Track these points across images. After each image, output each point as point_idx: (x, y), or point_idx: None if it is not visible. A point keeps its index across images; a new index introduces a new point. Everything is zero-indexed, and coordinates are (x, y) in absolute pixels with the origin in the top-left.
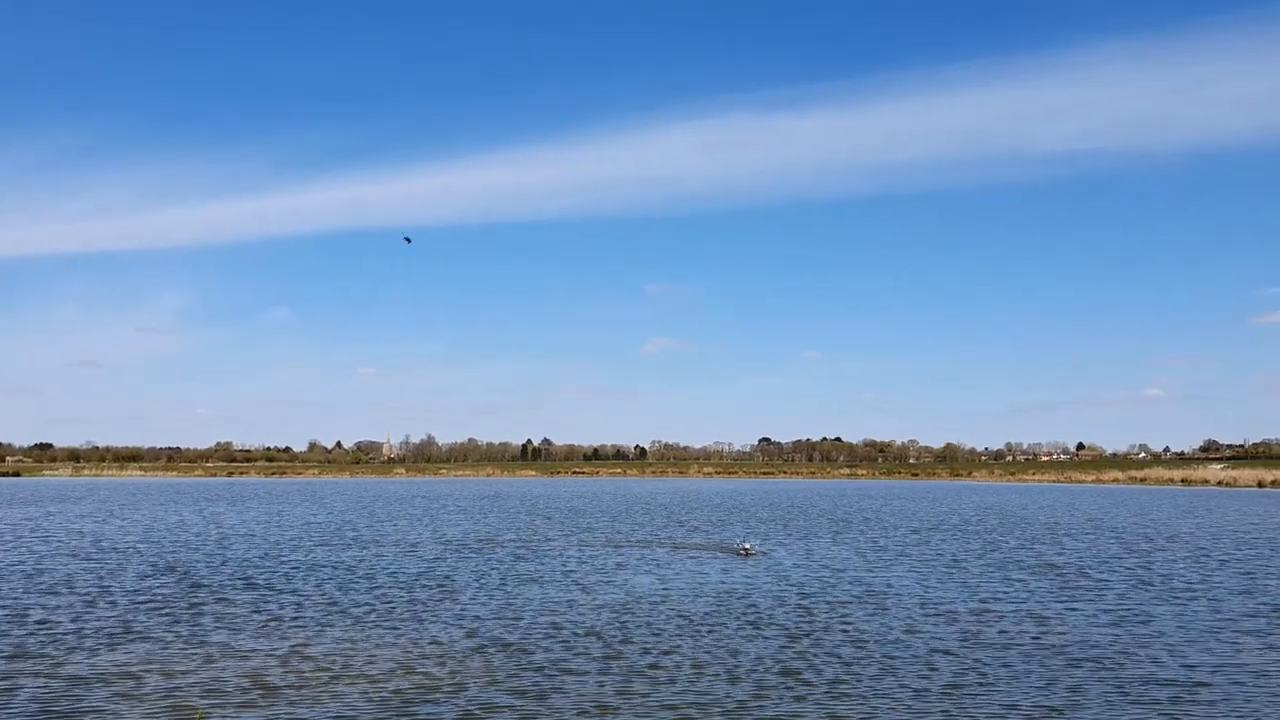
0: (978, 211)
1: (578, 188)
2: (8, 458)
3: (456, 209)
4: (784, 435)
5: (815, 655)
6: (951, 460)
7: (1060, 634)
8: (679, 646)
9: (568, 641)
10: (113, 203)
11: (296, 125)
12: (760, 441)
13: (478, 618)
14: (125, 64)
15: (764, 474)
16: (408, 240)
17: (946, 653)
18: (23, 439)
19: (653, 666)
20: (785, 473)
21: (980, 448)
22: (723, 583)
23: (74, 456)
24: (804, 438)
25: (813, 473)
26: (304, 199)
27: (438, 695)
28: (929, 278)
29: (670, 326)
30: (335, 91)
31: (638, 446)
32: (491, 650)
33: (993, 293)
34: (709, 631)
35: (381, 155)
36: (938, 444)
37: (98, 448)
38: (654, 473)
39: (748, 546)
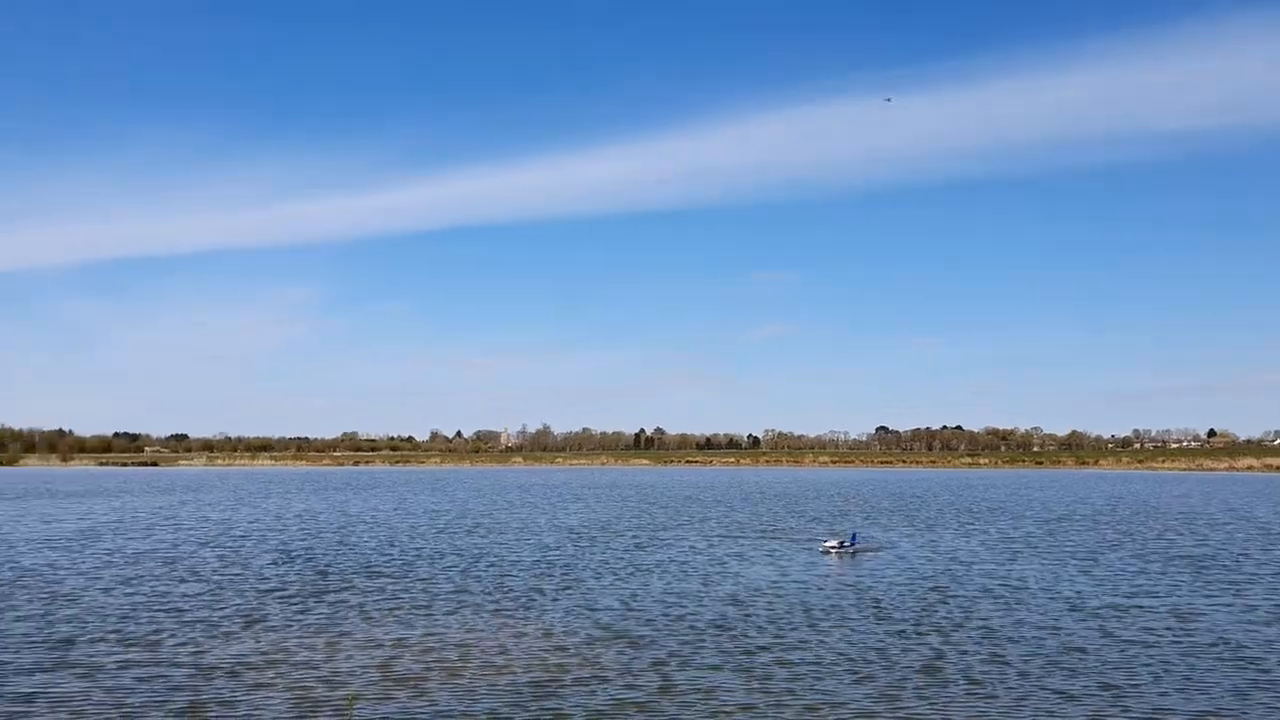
0: (1097, 192)
1: (685, 176)
2: (146, 448)
3: (569, 201)
4: (902, 423)
5: (950, 652)
6: (1077, 448)
7: (1210, 631)
8: (805, 641)
9: (692, 634)
10: (240, 200)
11: (415, 122)
12: (877, 430)
13: (601, 607)
14: (251, 63)
15: (882, 463)
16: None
17: (1088, 651)
18: (160, 430)
19: (780, 662)
20: (904, 461)
21: (1107, 435)
22: (845, 574)
23: (208, 447)
24: (923, 426)
25: (933, 461)
26: (422, 194)
27: (568, 686)
28: (1049, 260)
29: (782, 313)
30: (450, 88)
31: (751, 435)
32: (617, 641)
33: (1117, 274)
34: (835, 626)
35: (495, 150)
36: (1062, 431)
37: (230, 438)
38: (768, 462)
39: (832, 545)
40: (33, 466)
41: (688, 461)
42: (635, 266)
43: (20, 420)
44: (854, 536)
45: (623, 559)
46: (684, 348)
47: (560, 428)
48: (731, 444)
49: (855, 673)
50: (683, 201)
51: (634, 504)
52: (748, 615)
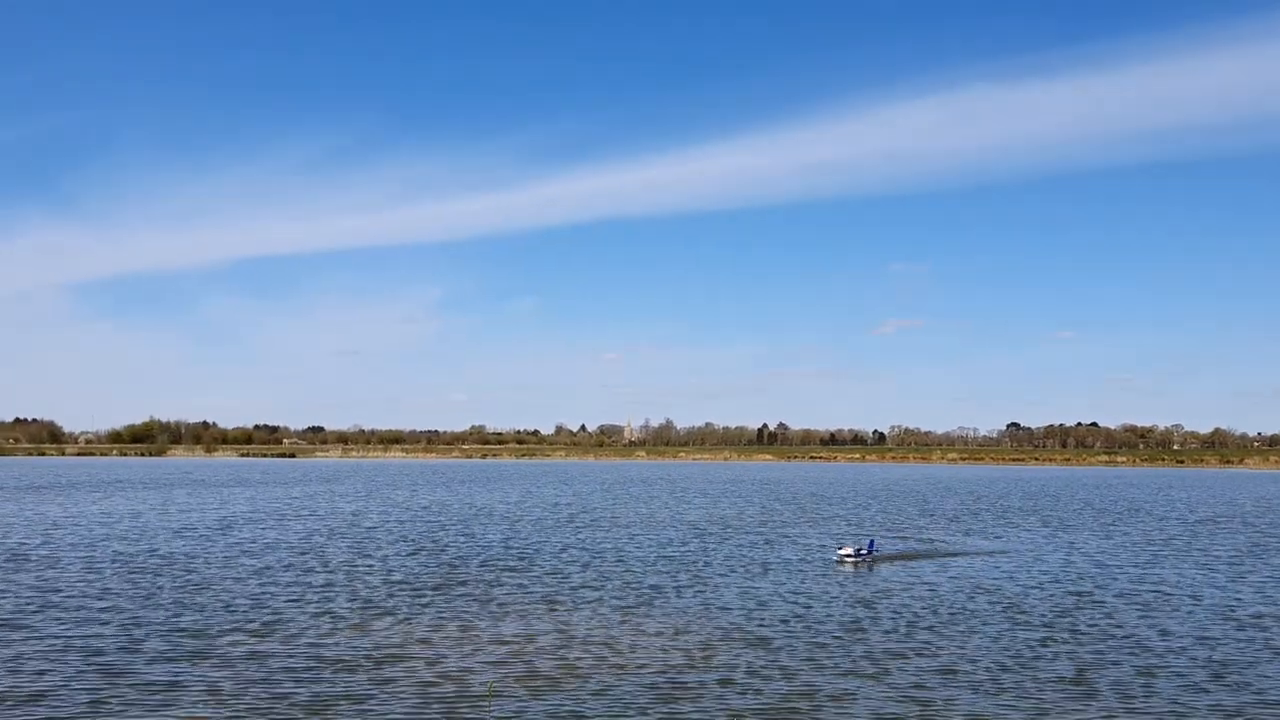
0: (1244, 178)
1: (814, 168)
2: (285, 440)
3: (695, 195)
4: (1034, 420)
5: (1095, 661)
6: (1220, 446)
7: None
8: (939, 646)
9: (821, 636)
10: (373, 200)
11: (542, 119)
12: (1008, 426)
13: (726, 605)
14: (382, 65)
15: (1013, 460)
16: None
17: (1245, 664)
18: (298, 422)
19: (913, 669)
20: (1036, 459)
21: (1253, 432)
22: (979, 576)
23: (342, 439)
24: (1056, 422)
25: (1067, 459)
26: (549, 191)
27: (697, 688)
28: (1191, 249)
29: (910, 306)
30: (576, 87)
31: (876, 431)
32: (744, 642)
33: (1262, 263)
34: (970, 631)
35: (623, 146)
36: (1204, 429)
37: (363, 430)
38: (894, 458)
39: (847, 552)
40: (179, 457)
41: (811, 457)
42: (761, 261)
43: (168, 413)
44: (871, 543)
45: (748, 556)
46: (809, 342)
47: (683, 422)
48: (856, 440)
49: (995, 681)
50: (810, 194)
51: (758, 500)
52: (876, 617)
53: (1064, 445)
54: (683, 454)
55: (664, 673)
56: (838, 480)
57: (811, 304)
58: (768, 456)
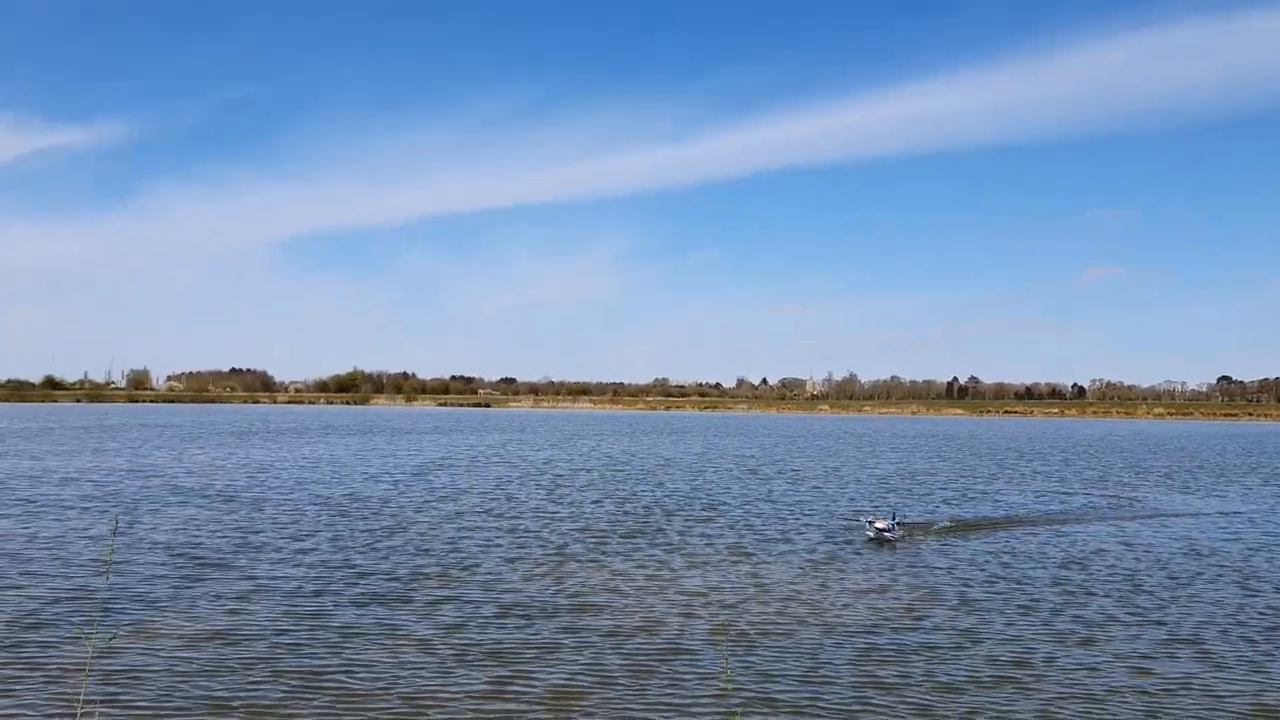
0: None
1: (1011, 110)
2: (479, 390)
3: (882, 140)
4: (1247, 373)
5: None
6: None
7: None
8: (1160, 612)
9: (1030, 598)
10: (559, 155)
11: (724, 68)
12: (1219, 380)
13: (925, 564)
14: (568, 20)
15: (1225, 415)
16: None
17: None
18: (491, 373)
19: (1130, 636)
20: (1250, 414)
21: None
22: (1199, 537)
23: (533, 390)
24: (1271, 375)
25: None
26: (730, 142)
27: (900, 649)
28: None
29: (1112, 253)
30: (760, 31)
31: (1075, 385)
32: (949, 602)
33: None
34: (1188, 595)
35: (806, 93)
36: None
37: (553, 382)
38: (1094, 413)
39: (881, 525)
40: (381, 406)
41: (1006, 412)
42: (952, 207)
43: (371, 364)
44: (893, 514)
45: (945, 513)
46: (1002, 292)
47: (867, 375)
48: (1054, 394)
49: (1232, 652)
50: (1003, 137)
51: (951, 456)
52: (1090, 579)
53: (1279, 400)
54: (867, 408)
55: (864, 632)
56: (1036, 435)
57: (1004, 252)
58: (958, 411)
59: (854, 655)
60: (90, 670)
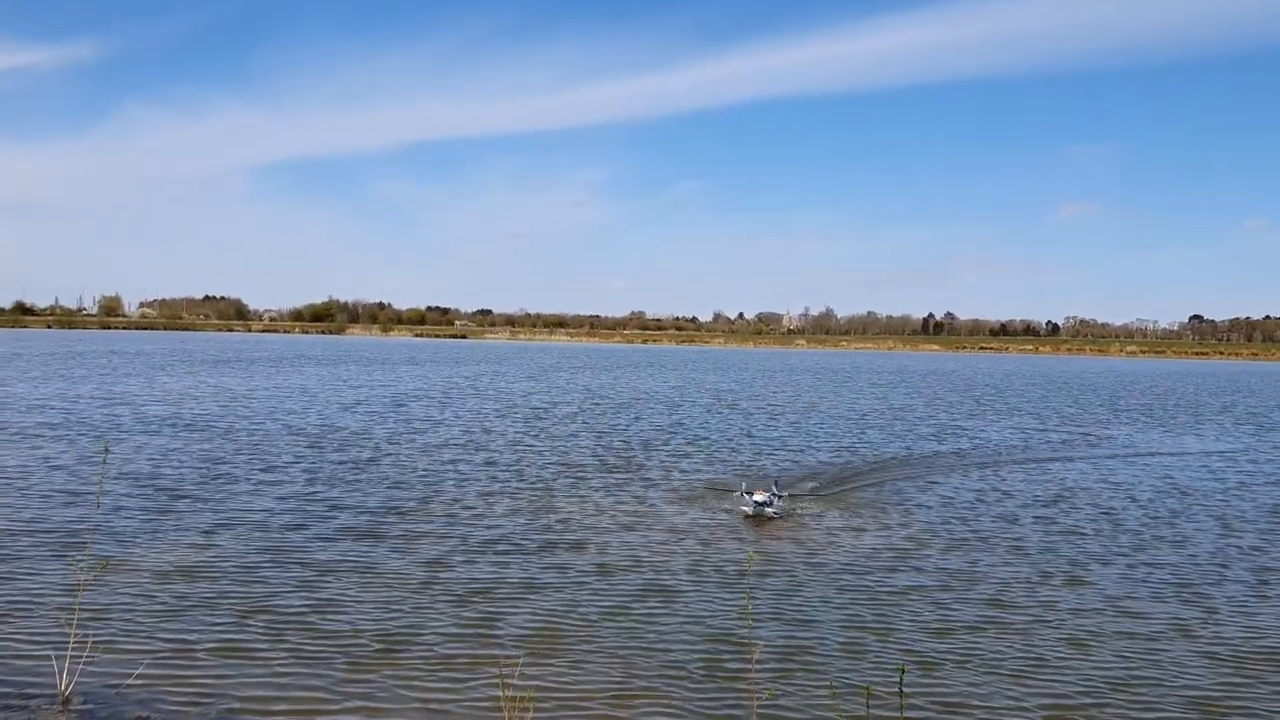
0: None
1: (990, 44)
2: (456, 321)
3: (863, 74)
4: (1218, 312)
5: None
6: None
7: None
8: (1153, 550)
9: (1018, 539)
10: (538, 83)
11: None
12: (1190, 319)
13: (916, 504)
14: None
15: (1196, 354)
16: None
17: None
18: (467, 304)
19: (1124, 573)
20: (1221, 353)
21: None
22: (1176, 478)
23: (510, 322)
24: (1242, 315)
25: (1254, 354)
26: (711, 71)
27: (902, 589)
28: None
29: (1089, 191)
30: None
31: (1049, 322)
32: (944, 543)
33: None
34: (1177, 538)
35: (789, 23)
36: None
37: (529, 314)
38: (1069, 350)
39: (759, 497)
40: (356, 336)
41: (981, 348)
42: (932, 141)
43: (346, 294)
44: (776, 484)
45: (923, 449)
46: (978, 228)
47: (844, 310)
48: (1028, 330)
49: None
50: (982, 72)
51: (929, 391)
52: (1071, 518)
53: (1249, 339)
54: (844, 343)
55: (847, 571)
56: (1012, 372)
57: (981, 188)
58: (934, 347)
59: (840, 596)
60: (79, 604)
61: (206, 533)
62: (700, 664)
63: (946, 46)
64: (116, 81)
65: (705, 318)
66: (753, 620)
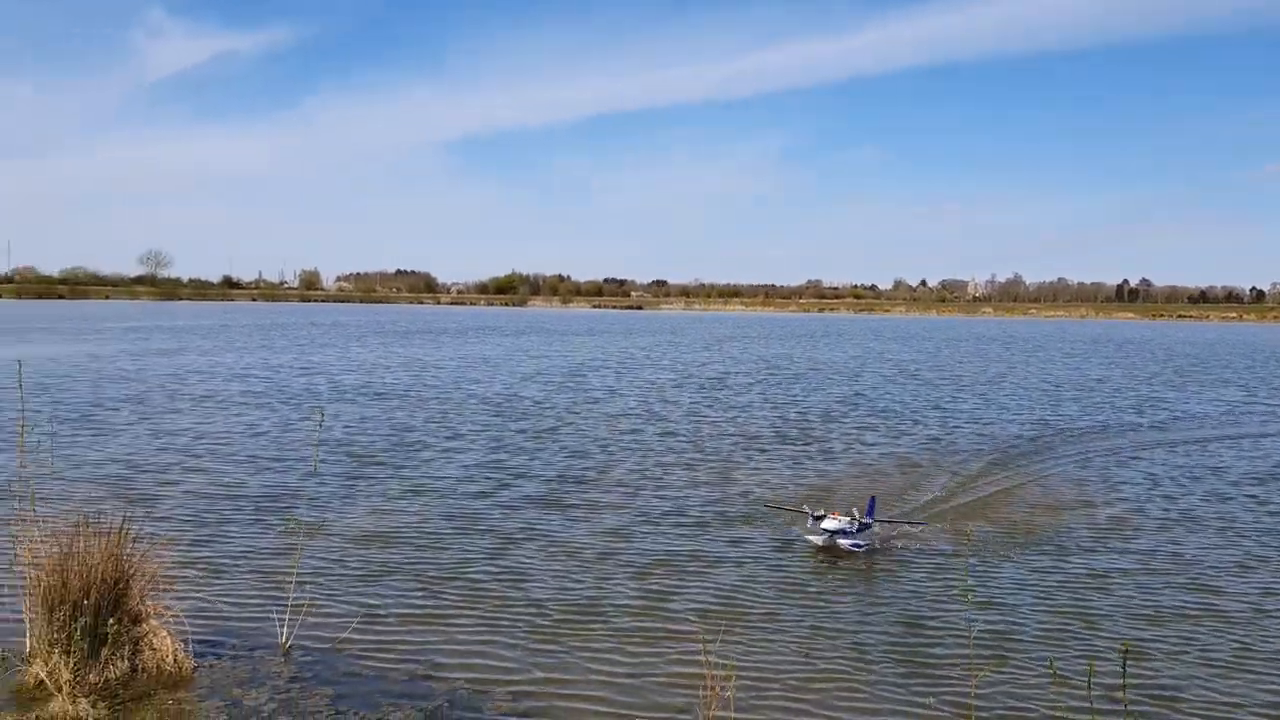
0: None
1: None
2: (632, 293)
3: (1046, 32)
4: None
5: None
6: None
7: None
8: None
9: (1232, 510)
10: (711, 51)
11: None
12: None
13: (1120, 480)
14: None
15: None
16: None
17: None
18: (643, 275)
19: None
20: None
21: None
22: None
23: (685, 292)
24: None
25: None
26: (890, 35)
27: (1112, 571)
28: None
29: None
30: None
31: (1254, 289)
32: (1155, 517)
33: None
34: None
35: None
36: None
37: (704, 284)
38: (1276, 318)
39: (832, 523)
40: (537, 308)
41: (1179, 316)
42: (1119, 102)
43: (527, 266)
44: (871, 506)
45: (1123, 421)
46: (1176, 189)
47: (1032, 277)
48: (1230, 297)
49: None
50: (1183, 26)
51: (1127, 362)
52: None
53: None
54: (1032, 310)
55: (1066, 553)
56: (1215, 341)
57: (1177, 148)
58: (1129, 315)
59: (1039, 579)
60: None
61: (397, 499)
62: (889, 646)
63: (1137, 2)
64: (311, 66)
65: (885, 286)
66: (972, 601)
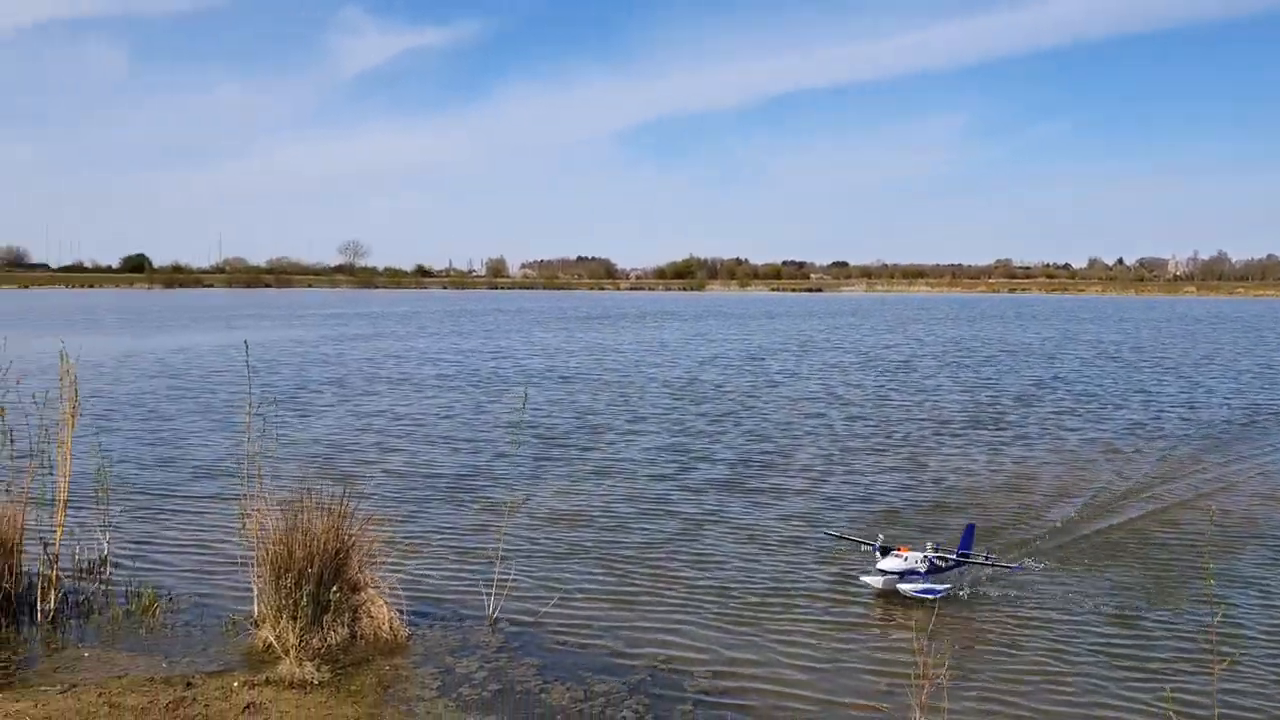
0: None
1: None
2: (811, 275)
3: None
4: None
5: None
6: None
7: None
8: None
9: None
10: (886, 26)
11: None
12: None
13: None
14: None
15: None
16: None
17: None
18: (822, 257)
19: None
20: None
21: None
22: None
23: (865, 274)
24: None
25: None
26: (1074, 2)
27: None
28: None
29: None
30: None
31: None
32: None
33: None
34: None
35: None
36: None
37: (886, 265)
38: None
39: (891, 563)
40: (715, 292)
41: None
42: None
43: (704, 250)
44: (967, 537)
45: None
46: None
47: (1239, 254)
48: None
49: None
50: None
51: None
52: None
53: None
54: (1239, 289)
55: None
56: None
57: None
58: None
59: (1268, 572)
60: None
61: (583, 480)
62: (1103, 639)
63: None
64: (497, 58)
65: (1079, 264)
66: (1212, 581)
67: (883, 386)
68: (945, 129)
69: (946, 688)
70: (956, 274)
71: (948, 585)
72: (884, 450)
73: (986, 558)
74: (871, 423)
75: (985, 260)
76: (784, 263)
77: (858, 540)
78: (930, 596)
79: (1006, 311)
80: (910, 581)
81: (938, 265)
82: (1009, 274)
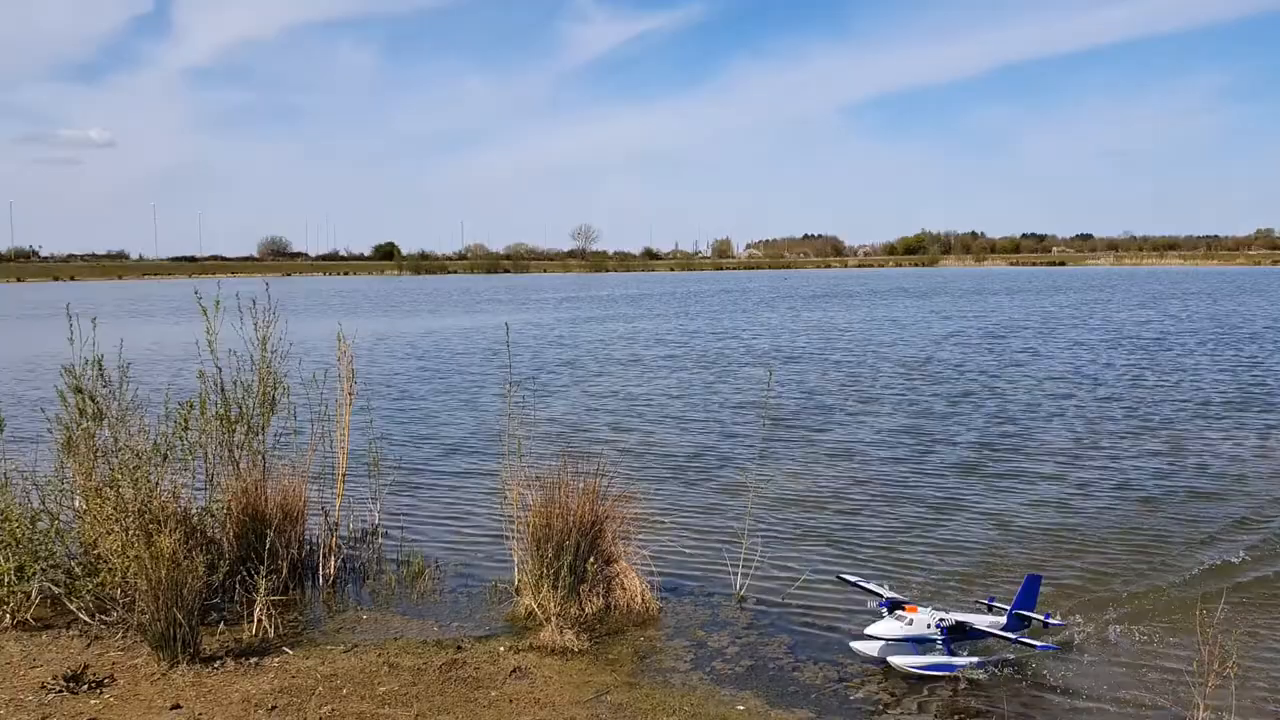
0: None
1: None
2: (1053, 248)
3: None
4: None
5: None
6: None
7: None
8: None
9: None
10: None
11: None
12: None
13: None
14: None
15: None
16: None
17: None
18: (1065, 230)
19: None
20: None
21: None
22: None
23: (1112, 246)
24: None
25: None
26: None
27: None
28: None
29: None
30: None
31: None
32: None
33: None
34: None
35: None
36: None
37: (1134, 237)
38: None
39: (889, 630)
40: (949, 267)
41: None
42: None
43: (937, 224)
44: (1025, 591)
45: None
46: None
47: None
48: None
49: None
50: None
51: None
52: None
53: None
54: None
55: None
56: None
57: None
58: None
59: None
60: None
61: (813, 463)
62: None
63: None
64: (723, 38)
65: None
66: None
67: (1135, 365)
68: (1194, 92)
69: (1233, 686)
70: (1212, 245)
71: (971, 658)
72: (1139, 434)
73: (1018, 632)
74: (1125, 404)
75: (1244, 231)
76: (1023, 236)
77: (869, 590)
78: (944, 673)
79: (1271, 284)
80: (909, 655)
81: (1191, 236)
82: (1271, 244)
